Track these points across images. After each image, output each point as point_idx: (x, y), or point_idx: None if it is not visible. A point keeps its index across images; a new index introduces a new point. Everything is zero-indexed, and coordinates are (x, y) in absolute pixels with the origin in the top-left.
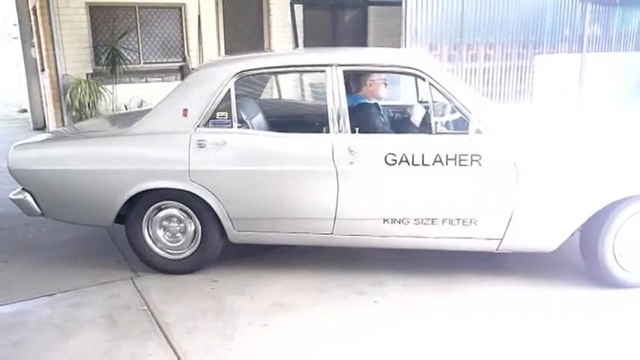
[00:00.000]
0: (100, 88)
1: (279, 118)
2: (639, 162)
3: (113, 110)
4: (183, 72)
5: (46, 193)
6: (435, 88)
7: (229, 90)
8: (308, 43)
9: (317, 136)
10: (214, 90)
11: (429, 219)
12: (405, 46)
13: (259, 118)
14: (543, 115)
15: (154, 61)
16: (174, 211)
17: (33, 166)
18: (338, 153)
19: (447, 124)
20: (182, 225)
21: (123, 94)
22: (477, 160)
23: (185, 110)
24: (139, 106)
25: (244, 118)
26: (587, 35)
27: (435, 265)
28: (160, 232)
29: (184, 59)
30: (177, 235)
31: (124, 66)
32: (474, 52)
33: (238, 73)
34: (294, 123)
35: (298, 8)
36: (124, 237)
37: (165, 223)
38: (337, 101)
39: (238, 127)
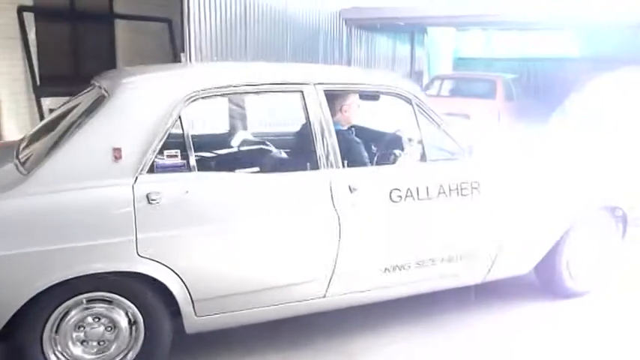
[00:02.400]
0: None
1: (245, 155)
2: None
3: None
4: None
5: None
6: (424, 112)
7: (180, 118)
8: (44, 62)
9: (308, 174)
10: (159, 118)
11: (430, 259)
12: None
13: (222, 156)
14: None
15: None
16: (94, 307)
17: None
18: (338, 193)
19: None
20: (108, 323)
21: None
22: (476, 188)
23: (117, 150)
24: None
25: (203, 156)
26: (353, 58)
27: (319, 328)
28: (75, 348)
29: None
30: (105, 340)
31: None
32: None
33: (193, 93)
34: (266, 159)
35: (28, 17)
36: None
37: (81, 327)
38: (324, 128)
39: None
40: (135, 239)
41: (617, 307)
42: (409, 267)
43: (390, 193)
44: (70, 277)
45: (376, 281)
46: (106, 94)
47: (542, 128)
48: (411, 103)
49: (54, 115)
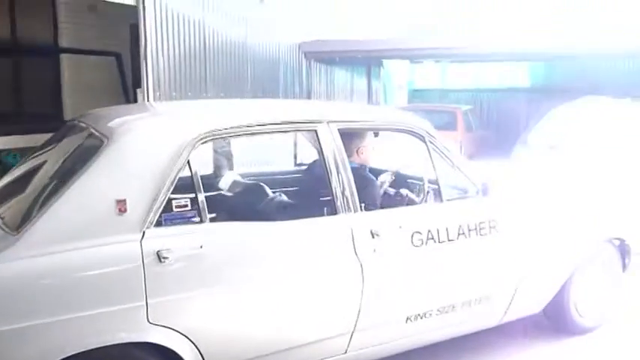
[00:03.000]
0: None
1: (257, 201)
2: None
3: None
4: None
5: None
6: (437, 149)
7: (189, 162)
8: None
9: (327, 220)
10: (166, 163)
11: (451, 305)
12: (148, 100)
13: (235, 204)
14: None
15: None
16: None
17: None
18: (360, 239)
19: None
20: None
21: None
22: (494, 227)
23: (121, 202)
24: None
25: (215, 204)
26: (313, 91)
27: None
28: None
29: None
30: None
31: None
32: None
33: (203, 135)
34: (280, 205)
35: None
36: None
37: None
38: (341, 169)
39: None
40: (145, 304)
41: (628, 342)
42: (430, 314)
43: (412, 236)
44: (70, 354)
45: (399, 332)
46: (103, 138)
47: (502, 158)
48: (424, 141)
49: (29, 163)
